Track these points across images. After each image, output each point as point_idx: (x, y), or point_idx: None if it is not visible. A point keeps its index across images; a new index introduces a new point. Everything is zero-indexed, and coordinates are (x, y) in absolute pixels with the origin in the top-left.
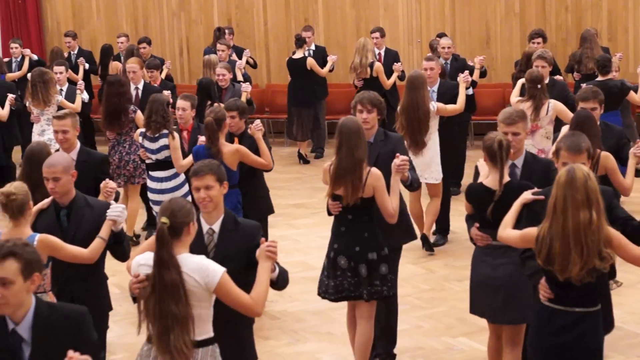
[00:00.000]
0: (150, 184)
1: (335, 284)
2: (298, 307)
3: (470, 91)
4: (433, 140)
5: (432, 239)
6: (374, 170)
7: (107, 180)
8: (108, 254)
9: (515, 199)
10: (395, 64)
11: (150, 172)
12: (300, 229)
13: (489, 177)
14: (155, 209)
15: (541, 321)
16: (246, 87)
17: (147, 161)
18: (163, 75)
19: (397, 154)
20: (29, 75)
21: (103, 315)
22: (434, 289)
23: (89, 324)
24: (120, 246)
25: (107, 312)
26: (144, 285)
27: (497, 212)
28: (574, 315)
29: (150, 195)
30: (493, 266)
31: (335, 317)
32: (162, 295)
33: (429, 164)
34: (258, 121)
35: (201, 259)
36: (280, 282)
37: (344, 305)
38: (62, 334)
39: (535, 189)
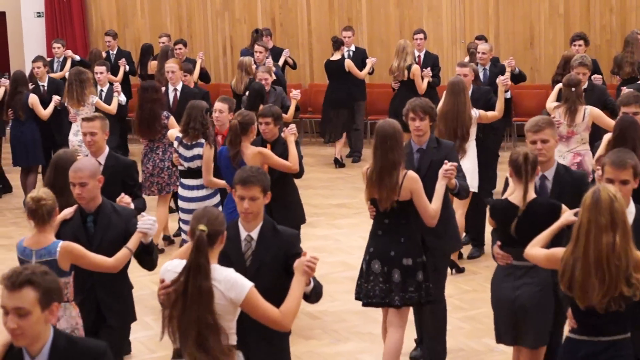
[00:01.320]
0: (181, 191)
1: (367, 288)
2: (339, 307)
3: (509, 94)
4: (471, 147)
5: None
6: (410, 173)
7: (123, 195)
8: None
9: (540, 216)
10: (425, 69)
11: (182, 180)
12: (342, 228)
13: (514, 193)
14: (182, 216)
15: (565, 352)
16: (296, 95)
17: (180, 168)
18: (197, 68)
19: (446, 161)
20: (66, 75)
21: (128, 321)
22: (475, 290)
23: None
24: (149, 257)
25: (131, 319)
26: (168, 291)
27: (520, 230)
28: (600, 345)
29: (180, 203)
30: (514, 287)
31: (376, 317)
32: (195, 304)
33: (470, 171)
34: (293, 125)
35: (230, 272)
36: (313, 296)
37: None
38: None
39: (577, 210)
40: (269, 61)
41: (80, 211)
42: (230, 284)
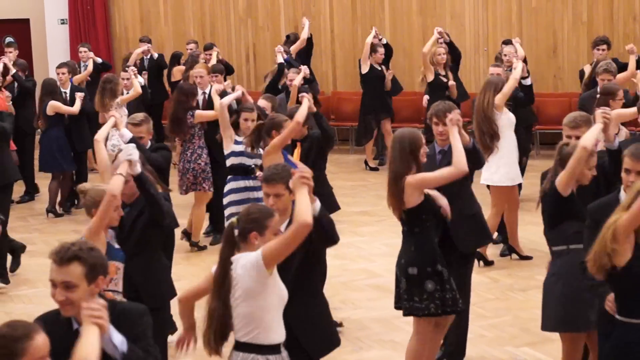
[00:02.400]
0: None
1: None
2: (361, 315)
3: (529, 81)
4: (506, 139)
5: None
6: (407, 177)
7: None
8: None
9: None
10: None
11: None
12: (365, 236)
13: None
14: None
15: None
16: (305, 69)
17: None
18: (214, 60)
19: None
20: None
21: (166, 302)
22: (498, 299)
23: (145, 321)
24: (144, 187)
25: (168, 297)
26: None
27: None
28: None
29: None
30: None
31: (398, 324)
32: (214, 292)
33: (507, 166)
34: (308, 172)
35: (247, 253)
36: (325, 221)
37: None
38: (119, 329)
39: None
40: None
41: (123, 205)
42: (251, 262)
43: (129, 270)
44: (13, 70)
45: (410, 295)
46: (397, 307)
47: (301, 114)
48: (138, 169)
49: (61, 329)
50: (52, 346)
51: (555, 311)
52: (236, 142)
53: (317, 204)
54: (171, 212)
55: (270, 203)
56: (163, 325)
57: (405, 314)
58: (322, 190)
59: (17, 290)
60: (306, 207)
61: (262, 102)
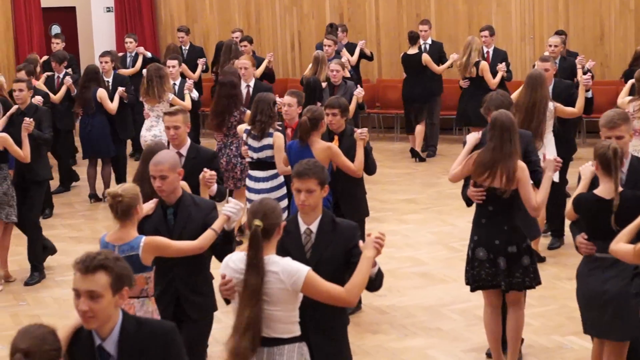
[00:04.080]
0: (248, 182)
1: (472, 274)
2: (407, 302)
3: (590, 94)
4: (549, 139)
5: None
6: (520, 162)
7: (205, 169)
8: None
9: (627, 209)
10: (499, 64)
11: (250, 171)
12: (410, 224)
13: (600, 187)
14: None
15: None
16: (358, 93)
17: (247, 159)
18: (262, 67)
19: (544, 153)
20: (143, 71)
21: (209, 314)
22: (544, 287)
23: (176, 340)
24: (228, 246)
25: (212, 311)
26: (230, 286)
27: (607, 223)
28: None
29: (248, 194)
30: (602, 280)
31: (444, 312)
32: (244, 297)
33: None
34: (365, 130)
35: (287, 261)
36: (377, 280)
37: (453, 301)
38: (148, 350)
39: None
40: (346, 55)
41: (161, 204)
42: (288, 272)
43: (175, 277)
44: (74, 91)
45: (511, 272)
46: (490, 286)
47: (359, 163)
48: (232, 225)
49: (83, 344)
50: None
51: (635, 319)
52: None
53: (377, 268)
54: None
55: (301, 199)
56: (205, 334)
57: (504, 291)
58: (357, 194)
59: (63, 275)
60: (362, 280)
61: (288, 99)
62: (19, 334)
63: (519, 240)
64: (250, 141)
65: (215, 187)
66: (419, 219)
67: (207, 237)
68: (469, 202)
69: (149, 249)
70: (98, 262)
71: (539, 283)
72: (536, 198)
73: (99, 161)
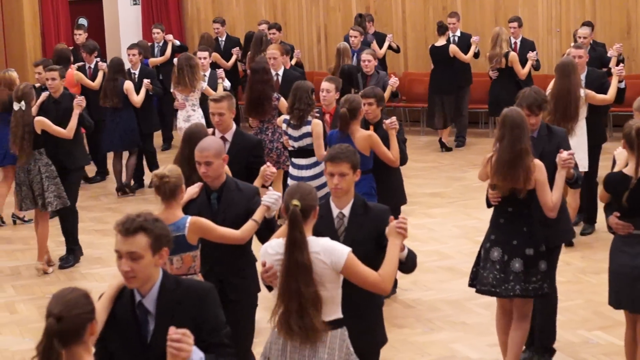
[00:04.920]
0: (291, 170)
1: (481, 275)
2: (433, 296)
3: (623, 84)
4: (580, 127)
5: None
6: (538, 161)
7: (269, 164)
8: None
9: None
10: (530, 52)
11: (293, 159)
12: (436, 217)
13: (628, 166)
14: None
15: None
16: (393, 82)
17: (289, 148)
18: (293, 63)
19: (561, 149)
20: (174, 60)
21: (251, 295)
22: (570, 282)
23: (212, 300)
24: (270, 233)
25: (255, 292)
26: (272, 273)
27: (634, 200)
28: None
29: (290, 182)
30: (632, 255)
31: (469, 306)
32: (294, 277)
33: (576, 151)
34: (394, 118)
35: (327, 241)
36: (409, 262)
37: (479, 296)
38: (185, 308)
39: None
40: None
41: (206, 188)
42: (329, 252)
43: (218, 259)
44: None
45: (527, 276)
46: (491, 292)
47: (395, 152)
48: (273, 214)
49: (125, 301)
50: (117, 319)
51: None
52: None
53: (406, 251)
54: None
55: (334, 182)
56: (250, 312)
57: (520, 295)
58: (393, 181)
59: (89, 268)
60: (393, 268)
61: (326, 84)
62: (53, 298)
63: (537, 243)
64: (290, 131)
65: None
66: (445, 212)
67: (248, 228)
68: (489, 204)
69: (194, 229)
70: (138, 224)
71: (550, 294)
72: (552, 197)
73: (125, 154)
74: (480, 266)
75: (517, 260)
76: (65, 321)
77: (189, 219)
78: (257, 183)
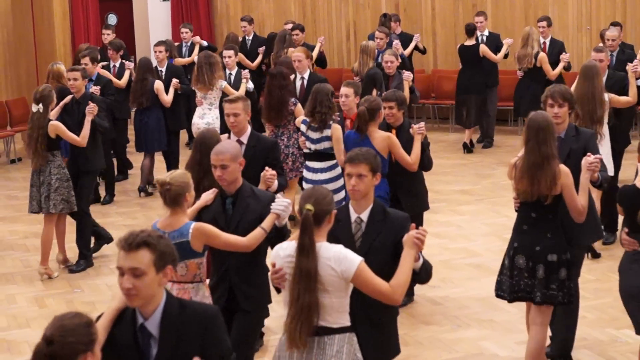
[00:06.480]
0: (306, 174)
1: (511, 283)
2: (461, 294)
3: None
4: (605, 131)
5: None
6: (563, 167)
7: (268, 168)
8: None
9: None
10: (563, 53)
11: (307, 162)
12: (464, 215)
13: None
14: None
15: None
16: (407, 76)
17: (305, 151)
18: (316, 51)
19: (589, 153)
20: (195, 59)
21: (260, 306)
22: (599, 280)
23: (218, 325)
24: (282, 241)
25: (266, 303)
26: (281, 274)
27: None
28: None
29: (305, 186)
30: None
31: (498, 304)
32: (297, 282)
33: (604, 155)
34: (422, 124)
35: (339, 248)
36: (422, 273)
37: None
38: (190, 333)
39: None
40: (397, 43)
41: (221, 193)
42: (340, 260)
43: (231, 267)
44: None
45: (547, 282)
46: (528, 298)
47: (415, 156)
48: (284, 222)
49: (126, 324)
50: (116, 343)
51: None
52: None
53: (421, 261)
54: None
55: (352, 184)
56: (258, 325)
57: (538, 302)
58: (416, 187)
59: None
60: (405, 278)
61: (345, 89)
62: (53, 319)
63: (561, 250)
64: (310, 132)
65: (275, 184)
66: (473, 210)
67: (256, 236)
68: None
69: (198, 235)
70: (141, 239)
71: (573, 302)
72: (580, 202)
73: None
74: (506, 275)
75: (540, 266)
76: (55, 347)
77: (193, 225)
78: (261, 187)
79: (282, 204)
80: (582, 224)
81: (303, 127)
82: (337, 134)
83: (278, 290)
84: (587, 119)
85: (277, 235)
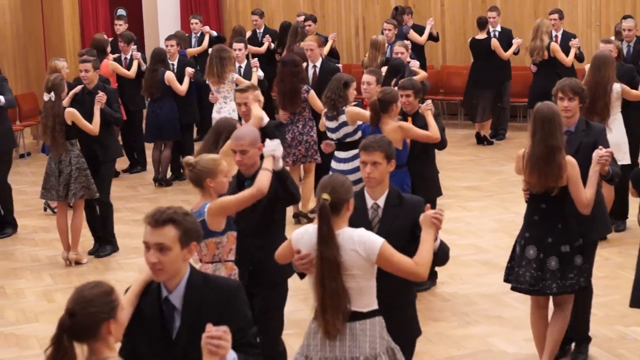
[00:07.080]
0: (333, 163)
1: (518, 273)
2: (469, 290)
3: None
4: (618, 120)
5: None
6: (570, 158)
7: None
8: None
9: None
10: (572, 40)
11: (335, 152)
12: (473, 211)
13: None
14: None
15: None
16: (414, 64)
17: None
18: (327, 48)
19: (600, 146)
20: (209, 50)
21: (282, 281)
22: (607, 277)
23: (239, 298)
24: (286, 184)
25: (286, 277)
26: (308, 260)
27: None
28: None
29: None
30: None
31: (506, 300)
32: (322, 271)
33: (619, 144)
34: (429, 101)
35: (361, 232)
36: (440, 254)
37: None
38: (212, 305)
39: None
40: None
41: (239, 176)
42: (363, 242)
43: (250, 245)
44: (144, 66)
45: (564, 273)
46: (530, 291)
47: (433, 128)
48: (280, 164)
49: (151, 297)
50: (142, 315)
51: None
52: None
53: (438, 242)
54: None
55: (367, 171)
56: (280, 301)
57: (557, 293)
58: (428, 174)
59: (126, 258)
60: (428, 254)
61: (367, 77)
62: (74, 291)
63: (573, 239)
64: (328, 123)
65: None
66: (482, 206)
67: (262, 179)
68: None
69: (214, 212)
70: (167, 215)
71: (588, 285)
72: (585, 194)
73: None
74: (515, 262)
75: (553, 258)
76: (77, 318)
77: (207, 204)
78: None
79: (272, 145)
80: (591, 219)
81: (323, 120)
82: (353, 109)
83: (301, 276)
84: (587, 109)
85: (278, 180)
